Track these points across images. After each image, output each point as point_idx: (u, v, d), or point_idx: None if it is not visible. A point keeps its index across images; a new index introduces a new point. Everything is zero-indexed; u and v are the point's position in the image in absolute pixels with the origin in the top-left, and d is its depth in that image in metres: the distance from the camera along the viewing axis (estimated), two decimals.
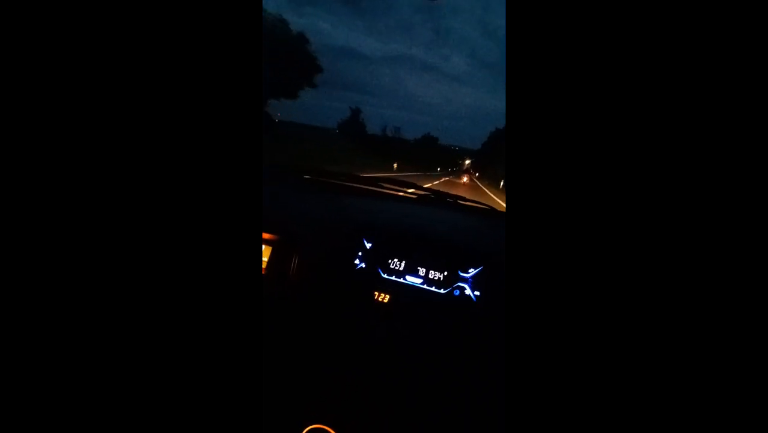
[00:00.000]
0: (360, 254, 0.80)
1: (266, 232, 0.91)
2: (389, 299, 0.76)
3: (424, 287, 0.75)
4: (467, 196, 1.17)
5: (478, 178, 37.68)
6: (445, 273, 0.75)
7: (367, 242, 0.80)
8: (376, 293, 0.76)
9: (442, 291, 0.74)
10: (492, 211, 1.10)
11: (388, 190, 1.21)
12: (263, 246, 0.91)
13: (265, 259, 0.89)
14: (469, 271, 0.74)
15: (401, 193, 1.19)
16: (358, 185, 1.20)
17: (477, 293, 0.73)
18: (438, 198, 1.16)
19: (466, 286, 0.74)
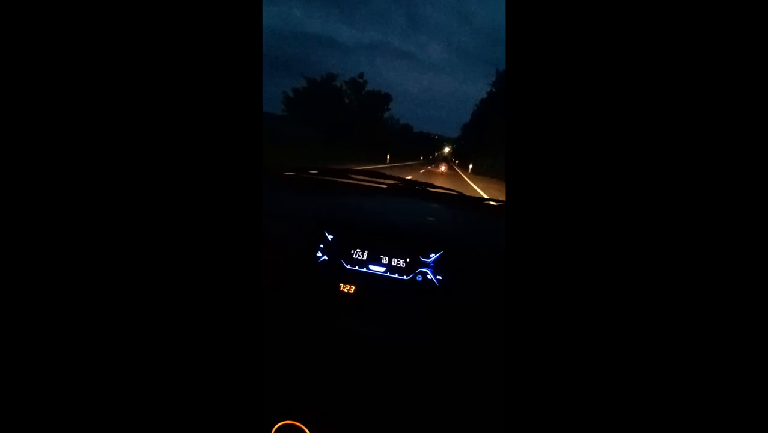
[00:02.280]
0: (322, 246, 0.79)
1: None
2: (354, 290, 0.76)
3: (387, 274, 0.76)
4: (442, 185, 1.18)
5: (457, 165, 37.96)
6: (407, 259, 0.76)
7: (329, 234, 0.80)
8: (341, 285, 0.76)
9: (405, 278, 0.75)
10: (461, 196, 1.11)
11: (358, 181, 1.21)
12: None
13: None
14: (431, 256, 0.75)
15: (372, 185, 1.19)
16: (325, 178, 1.19)
17: (439, 277, 0.74)
18: (407, 187, 1.17)
19: (428, 271, 0.75)
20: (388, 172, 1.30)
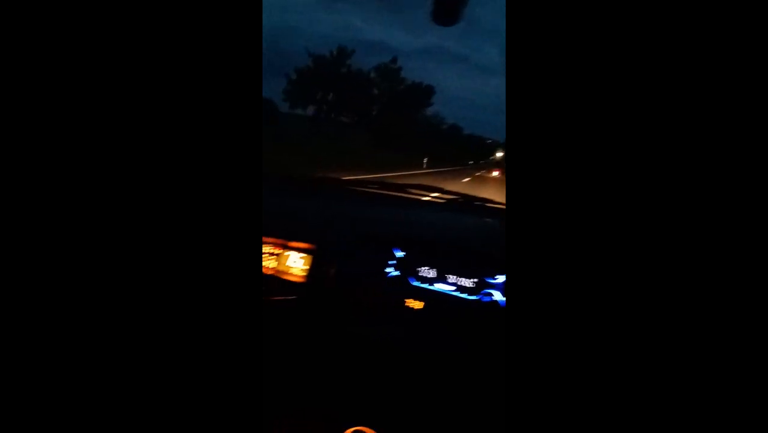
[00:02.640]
0: (392, 262, 0.84)
1: (305, 241, 0.98)
2: (420, 307, 0.80)
3: (454, 294, 0.79)
4: (496, 197, 1.18)
5: None
6: (475, 280, 0.78)
7: (399, 252, 0.84)
8: (407, 301, 0.80)
9: (471, 298, 0.78)
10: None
11: (416, 195, 1.25)
12: (303, 255, 0.98)
13: (306, 268, 0.96)
14: (497, 277, 0.77)
15: (428, 198, 1.22)
16: (387, 192, 1.25)
17: (506, 298, 0.75)
18: (466, 202, 1.19)
19: (494, 292, 0.76)
20: (440, 180, 1.32)
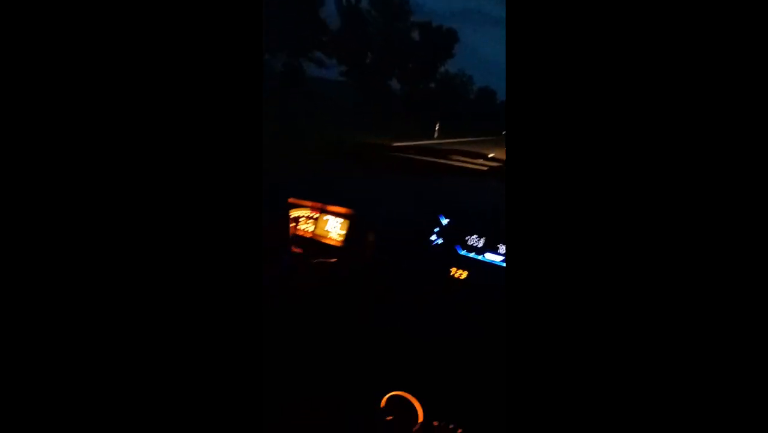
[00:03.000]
0: (436, 230, 0.79)
1: (342, 206, 0.95)
2: (466, 276, 0.75)
3: (504, 264, 0.74)
4: None
5: None
6: None
7: (444, 218, 0.79)
8: (453, 270, 0.76)
9: None
10: None
11: (461, 163, 1.18)
12: (341, 220, 0.95)
13: (343, 233, 0.94)
14: None
15: (471, 165, 1.15)
16: (426, 158, 1.19)
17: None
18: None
19: None
20: (482, 147, 1.25)
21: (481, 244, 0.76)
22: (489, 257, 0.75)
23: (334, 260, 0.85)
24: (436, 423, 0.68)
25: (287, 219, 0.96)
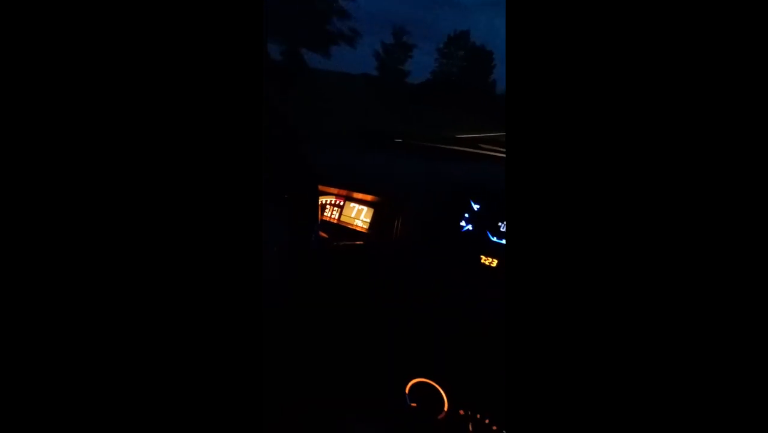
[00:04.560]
0: (467, 215, 0.76)
1: (366, 193, 0.94)
2: (497, 264, 0.71)
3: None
4: None
5: None
6: None
7: (475, 204, 0.76)
8: (483, 257, 0.72)
9: None
10: None
11: (488, 151, 1.13)
12: (365, 207, 0.94)
13: (367, 220, 0.92)
14: None
15: (503, 155, 1.10)
16: (454, 147, 1.15)
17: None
18: None
19: None
20: None
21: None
22: None
23: (360, 242, 0.84)
24: (462, 412, 0.65)
25: (316, 203, 0.97)
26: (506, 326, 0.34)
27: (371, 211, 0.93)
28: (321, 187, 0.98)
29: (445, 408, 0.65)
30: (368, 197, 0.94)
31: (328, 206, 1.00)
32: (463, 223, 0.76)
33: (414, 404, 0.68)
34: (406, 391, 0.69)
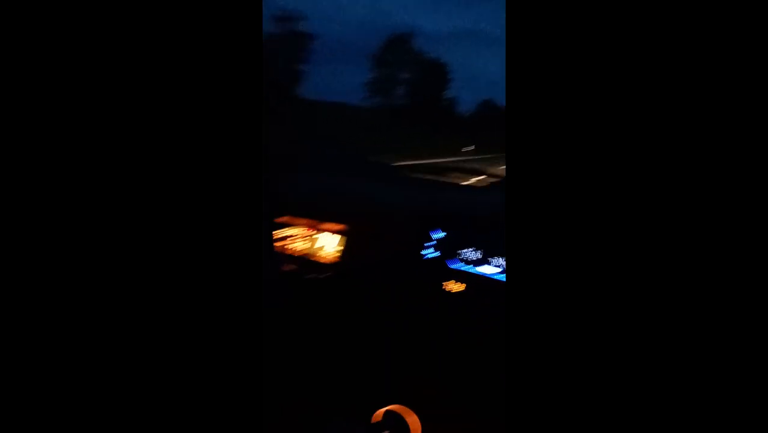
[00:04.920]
0: (430, 243, 0.78)
1: (337, 222, 0.95)
2: (461, 290, 0.73)
3: (497, 277, 0.72)
4: None
5: None
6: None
7: (438, 232, 0.78)
8: (446, 284, 0.74)
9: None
10: None
11: (457, 179, 1.18)
12: (335, 237, 0.95)
13: (339, 248, 0.93)
14: None
15: (470, 182, 1.15)
16: (423, 175, 1.19)
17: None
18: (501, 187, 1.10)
19: None
20: (483, 165, 1.26)
21: (475, 257, 0.74)
22: (482, 269, 0.73)
23: (328, 275, 0.84)
24: None
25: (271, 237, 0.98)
26: (506, 338, 0.34)
27: (341, 240, 0.94)
28: (290, 218, 0.99)
29: None
30: (337, 226, 0.95)
31: (295, 237, 1.01)
32: (426, 251, 0.78)
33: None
34: (375, 419, 0.68)
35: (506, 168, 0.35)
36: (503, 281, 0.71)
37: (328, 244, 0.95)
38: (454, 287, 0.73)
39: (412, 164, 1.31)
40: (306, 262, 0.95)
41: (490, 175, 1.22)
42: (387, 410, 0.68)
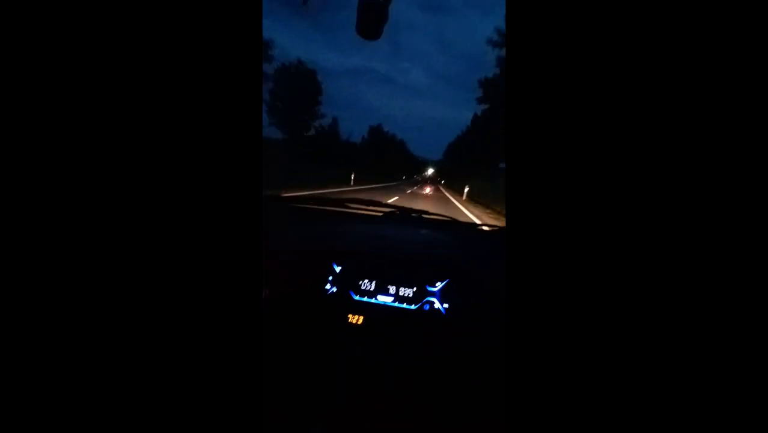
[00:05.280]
0: (330, 278, 0.81)
1: None
2: (362, 320, 0.77)
3: (395, 304, 0.78)
4: (431, 209, 1.22)
5: (444, 186, 38.32)
6: (414, 289, 0.78)
7: (337, 266, 0.82)
8: (350, 316, 0.77)
9: (412, 307, 0.77)
10: (454, 222, 1.15)
11: (354, 209, 1.23)
12: None
13: None
14: (436, 285, 0.78)
15: (367, 212, 1.22)
16: (322, 207, 1.22)
17: (446, 305, 0.76)
18: (402, 214, 1.20)
19: (434, 300, 0.77)
20: (382, 196, 1.34)
21: (372, 287, 0.79)
22: (381, 298, 0.79)
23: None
24: None
25: None
26: (506, 352, 0.34)
27: None
28: None
29: None
30: None
31: None
32: (327, 286, 0.80)
33: None
34: None
35: (506, 171, 0.35)
36: (397, 308, 0.78)
37: None
38: (356, 318, 0.77)
39: (306, 195, 1.32)
40: None
41: (384, 205, 1.31)
42: None
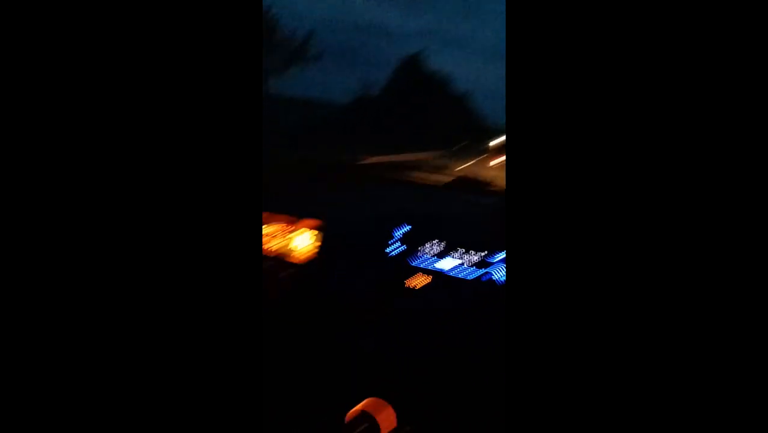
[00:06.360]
0: (391, 241, 0.85)
1: (311, 221, 0.99)
2: (420, 286, 0.81)
3: (453, 274, 0.81)
4: (496, 180, 1.19)
5: None
6: (475, 259, 0.80)
7: (398, 230, 0.86)
8: (407, 281, 0.82)
9: (470, 277, 0.79)
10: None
11: (416, 179, 1.25)
12: (309, 233, 0.99)
13: (310, 247, 0.97)
14: (496, 256, 0.78)
15: (431, 181, 1.23)
16: (389, 175, 1.25)
17: (504, 277, 0.77)
18: (465, 184, 1.19)
19: (494, 271, 0.78)
20: (451, 164, 1.33)
21: (435, 251, 0.83)
22: (441, 265, 0.82)
23: (293, 273, 0.88)
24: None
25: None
26: (506, 347, 0.35)
27: (315, 235, 0.98)
28: (269, 216, 1.01)
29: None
30: (312, 223, 0.99)
31: (271, 236, 1.04)
32: (388, 249, 0.85)
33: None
34: (347, 420, 0.71)
35: (506, 171, 0.35)
36: (455, 277, 0.80)
37: (301, 241, 1.00)
38: (415, 283, 0.82)
39: (378, 162, 1.36)
40: (276, 261, 0.98)
41: (449, 174, 1.30)
42: (359, 411, 0.71)
